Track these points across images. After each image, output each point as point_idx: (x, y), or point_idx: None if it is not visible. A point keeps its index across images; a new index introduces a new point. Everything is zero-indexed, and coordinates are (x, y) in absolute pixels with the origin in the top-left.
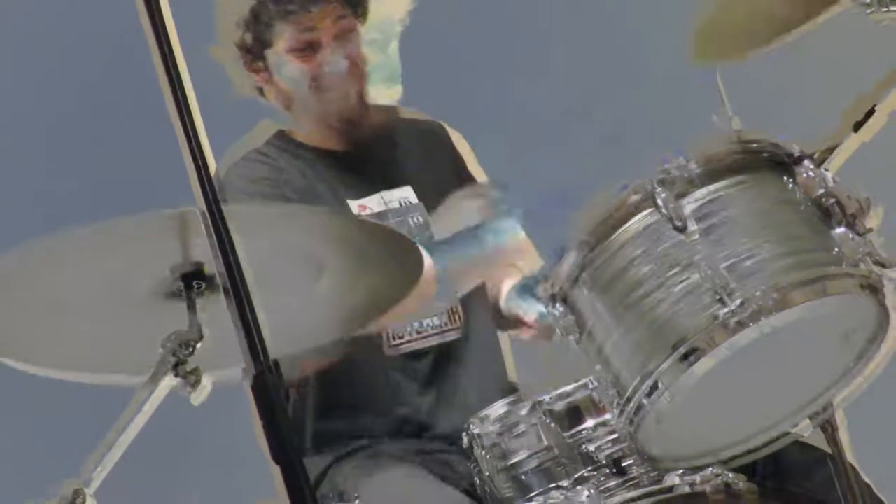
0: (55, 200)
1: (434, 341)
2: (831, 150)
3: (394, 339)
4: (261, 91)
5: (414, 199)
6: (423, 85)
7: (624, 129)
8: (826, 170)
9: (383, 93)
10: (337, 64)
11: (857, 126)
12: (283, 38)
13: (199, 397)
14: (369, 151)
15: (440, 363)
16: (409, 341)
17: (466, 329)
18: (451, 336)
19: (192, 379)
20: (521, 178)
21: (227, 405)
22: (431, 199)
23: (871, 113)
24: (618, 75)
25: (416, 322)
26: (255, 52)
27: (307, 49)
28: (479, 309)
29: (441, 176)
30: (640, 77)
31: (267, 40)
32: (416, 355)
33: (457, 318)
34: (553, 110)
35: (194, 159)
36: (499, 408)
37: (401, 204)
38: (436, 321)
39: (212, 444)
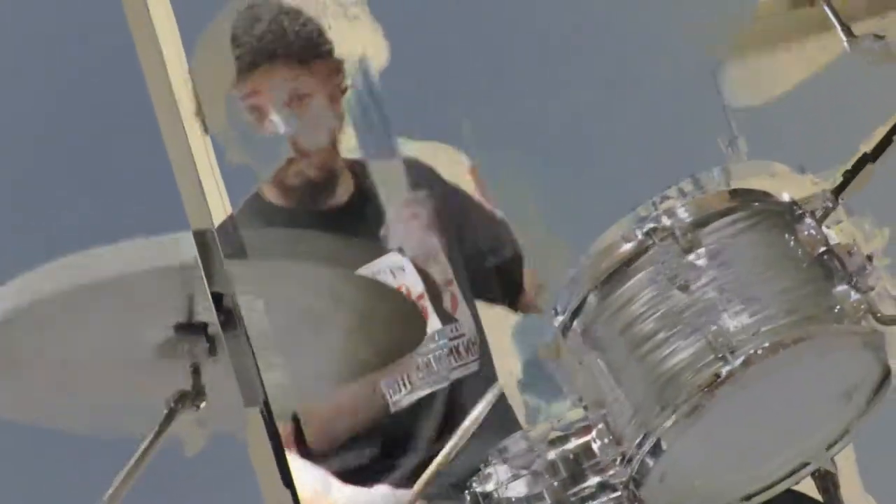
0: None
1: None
2: (846, 178)
3: (395, 392)
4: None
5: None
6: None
7: (625, 150)
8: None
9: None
10: (278, 128)
11: (873, 154)
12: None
13: (192, 448)
14: (341, 212)
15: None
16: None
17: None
18: (472, 368)
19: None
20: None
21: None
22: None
23: (888, 141)
24: (619, 91)
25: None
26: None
27: (255, 112)
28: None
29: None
30: (644, 96)
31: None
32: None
33: (475, 349)
34: (551, 126)
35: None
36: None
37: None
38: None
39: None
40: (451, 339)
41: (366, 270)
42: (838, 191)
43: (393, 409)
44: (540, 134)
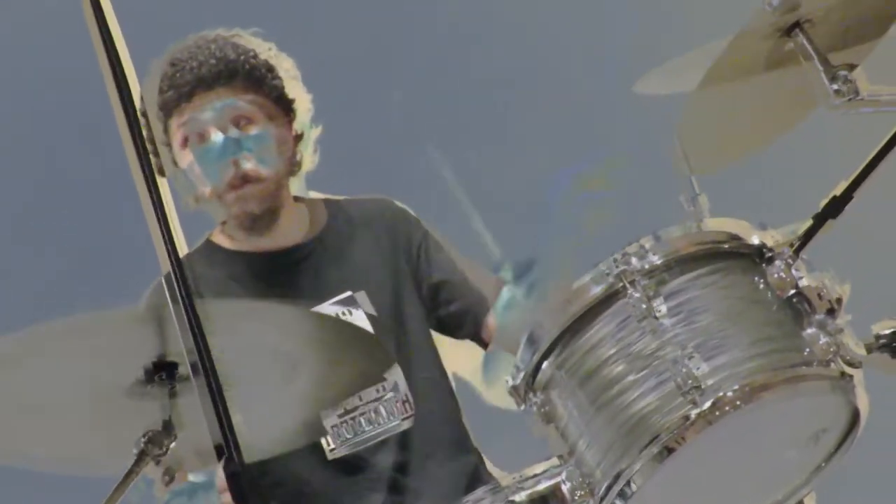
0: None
1: (385, 435)
2: (806, 234)
3: (334, 443)
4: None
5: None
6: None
7: None
8: (796, 267)
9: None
10: (216, 142)
11: (831, 209)
12: (176, 133)
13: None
14: (299, 255)
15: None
16: (355, 443)
17: (422, 410)
18: (405, 426)
19: (170, 472)
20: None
21: None
22: (380, 282)
23: (847, 198)
24: (577, 148)
25: (364, 424)
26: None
27: (197, 141)
28: (431, 385)
29: (393, 253)
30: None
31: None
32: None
33: (407, 406)
34: (509, 181)
35: (168, 256)
36: (469, 500)
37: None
38: (383, 422)
39: None
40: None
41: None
42: (799, 248)
43: (330, 458)
44: (497, 191)
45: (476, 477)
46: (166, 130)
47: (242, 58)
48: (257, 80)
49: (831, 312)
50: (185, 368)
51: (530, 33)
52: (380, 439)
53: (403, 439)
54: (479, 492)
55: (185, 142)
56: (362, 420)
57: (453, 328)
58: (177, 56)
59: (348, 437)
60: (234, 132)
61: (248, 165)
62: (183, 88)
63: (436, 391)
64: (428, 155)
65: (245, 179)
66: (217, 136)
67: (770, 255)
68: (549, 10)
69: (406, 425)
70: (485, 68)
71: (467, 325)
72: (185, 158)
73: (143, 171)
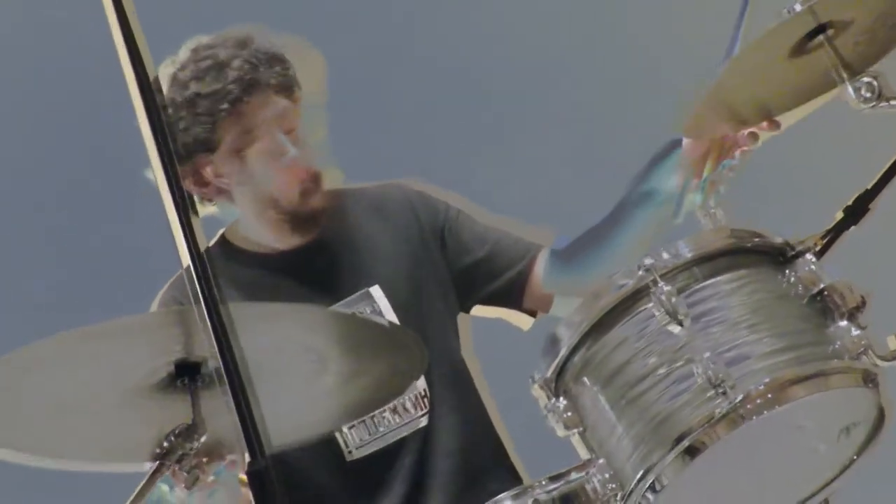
0: (49, 299)
1: (403, 433)
2: (828, 239)
3: (352, 445)
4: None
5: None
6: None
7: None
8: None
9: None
10: (289, 153)
11: (853, 214)
12: (227, 137)
13: None
14: (323, 246)
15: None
16: (370, 443)
17: (439, 408)
18: (422, 423)
19: (193, 474)
20: None
21: None
22: (402, 269)
23: (867, 201)
24: (586, 164)
25: (378, 423)
26: (197, 164)
27: (250, 143)
28: (448, 381)
29: (409, 242)
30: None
31: (211, 144)
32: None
33: (424, 402)
34: (517, 198)
35: (190, 254)
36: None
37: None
38: (398, 419)
39: None
40: None
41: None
42: (823, 250)
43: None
44: (508, 208)
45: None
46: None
47: (291, 70)
48: (290, 79)
49: (858, 308)
50: (208, 368)
51: (539, 34)
52: (398, 437)
53: (422, 437)
54: (504, 495)
55: (235, 150)
56: (379, 419)
57: (501, 302)
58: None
59: (366, 437)
60: (292, 136)
61: (315, 167)
62: (233, 91)
63: (455, 386)
64: None
65: (313, 180)
66: (283, 138)
67: (794, 252)
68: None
69: (424, 422)
70: (492, 71)
71: (513, 297)
72: (232, 167)
73: (164, 167)
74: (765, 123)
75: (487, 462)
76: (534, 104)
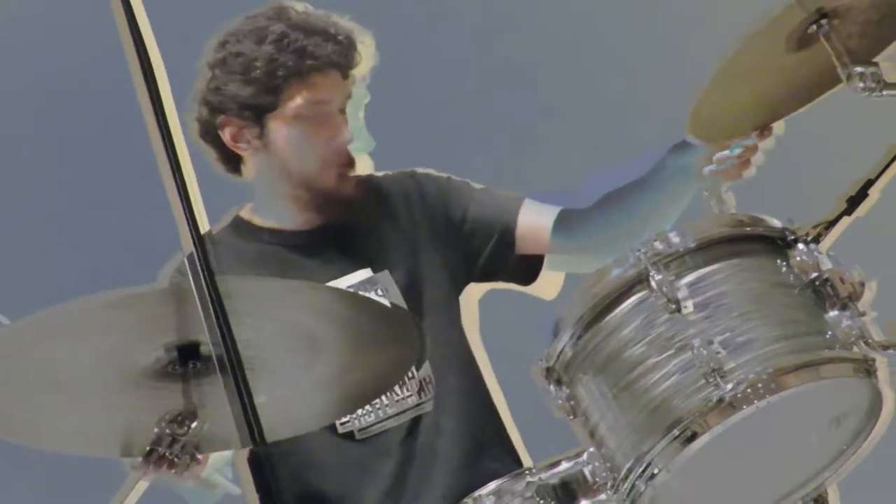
0: (53, 276)
1: (406, 417)
2: (826, 227)
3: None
4: (233, 165)
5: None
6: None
7: None
8: (819, 250)
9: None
10: (345, 134)
11: (851, 203)
12: (294, 101)
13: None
14: (337, 229)
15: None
16: (375, 424)
17: (440, 393)
18: (426, 408)
19: (185, 459)
20: None
21: None
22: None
23: (865, 189)
24: (609, 148)
25: (381, 409)
26: (254, 114)
27: (317, 116)
28: (452, 364)
29: (432, 228)
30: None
31: (271, 102)
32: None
33: (429, 387)
34: (543, 180)
35: (190, 232)
36: (491, 485)
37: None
38: (405, 403)
39: None
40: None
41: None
42: (820, 236)
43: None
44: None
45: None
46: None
47: (355, 49)
48: (352, 68)
49: (854, 297)
50: (206, 349)
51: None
52: (403, 420)
53: (425, 418)
54: (503, 478)
55: (297, 116)
56: (381, 403)
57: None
58: (292, 24)
59: (370, 419)
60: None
61: (354, 151)
62: (320, 59)
63: (459, 370)
64: None
65: (350, 163)
66: (343, 130)
67: (793, 238)
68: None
69: (428, 407)
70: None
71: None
72: (284, 132)
73: (166, 149)
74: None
75: (489, 444)
76: (553, 92)
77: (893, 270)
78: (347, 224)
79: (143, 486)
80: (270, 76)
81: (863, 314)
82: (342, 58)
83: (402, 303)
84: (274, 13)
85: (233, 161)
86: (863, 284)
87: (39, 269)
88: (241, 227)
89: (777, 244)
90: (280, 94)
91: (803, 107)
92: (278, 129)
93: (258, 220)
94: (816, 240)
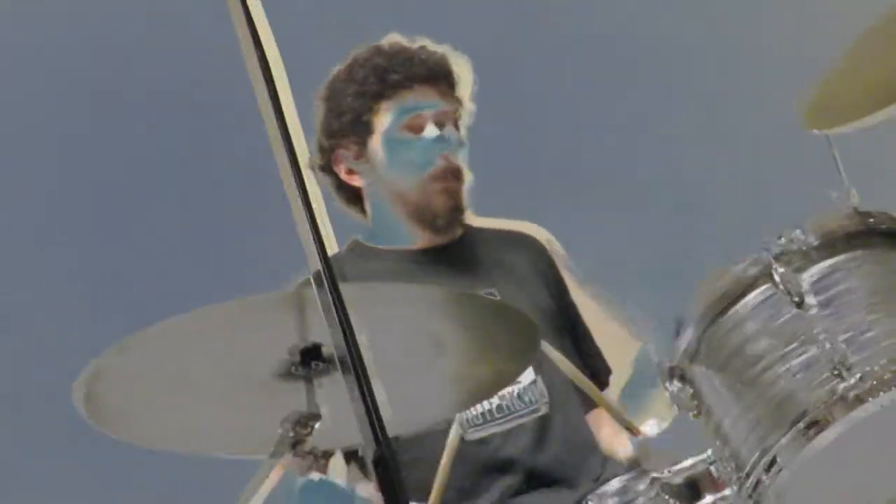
0: (174, 284)
1: (522, 420)
2: None
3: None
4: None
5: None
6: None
7: (726, 203)
8: None
9: None
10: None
11: None
12: (386, 119)
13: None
14: (453, 251)
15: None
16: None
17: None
18: (543, 410)
19: (309, 459)
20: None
21: None
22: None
23: None
24: (719, 142)
25: (501, 405)
26: (356, 140)
27: (407, 128)
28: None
29: (532, 285)
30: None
31: (368, 124)
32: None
33: (544, 392)
34: (648, 175)
35: (314, 238)
36: (615, 483)
37: None
38: (522, 402)
39: None
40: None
41: None
42: None
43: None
44: (640, 190)
45: None
46: (370, 112)
47: (447, 66)
48: (452, 86)
49: None
50: (328, 351)
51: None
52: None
53: (540, 424)
54: (626, 476)
55: (387, 131)
56: (498, 407)
57: None
58: (389, 50)
59: (483, 420)
60: (447, 129)
61: (459, 162)
62: (402, 75)
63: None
64: None
65: (455, 175)
66: (432, 129)
67: None
68: None
69: (544, 410)
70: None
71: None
72: (380, 150)
73: (291, 165)
74: None
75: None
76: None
77: None
78: (466, 244)
79: (274, 478)
80: (360, 99)
81: None
82: (427, 70)
83: None
84: (366, 50)
85: (349, 192)
86: None
87: (168, 279)
88: (360, 249)
89: None
90: (372, 116)
91: None
92: (375, 149)
93: (377, 245)
94: None
